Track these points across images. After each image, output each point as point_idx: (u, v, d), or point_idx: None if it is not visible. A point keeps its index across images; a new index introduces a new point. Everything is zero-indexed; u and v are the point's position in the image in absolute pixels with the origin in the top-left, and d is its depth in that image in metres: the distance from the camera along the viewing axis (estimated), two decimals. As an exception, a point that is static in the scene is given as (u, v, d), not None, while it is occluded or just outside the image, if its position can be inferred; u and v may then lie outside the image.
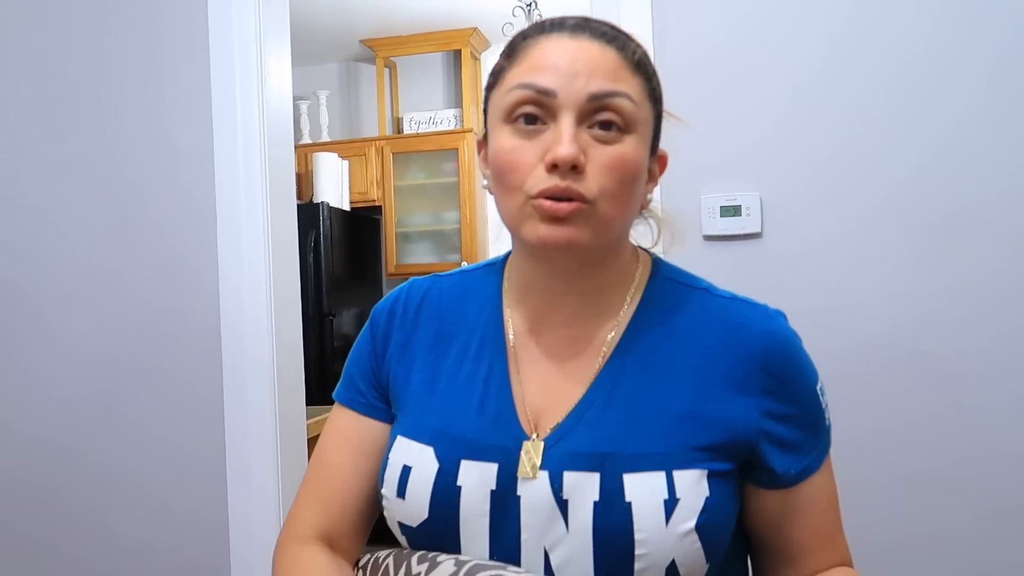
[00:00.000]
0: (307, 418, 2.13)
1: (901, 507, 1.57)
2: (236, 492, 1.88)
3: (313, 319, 3.89)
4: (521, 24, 3.94)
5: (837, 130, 1.61)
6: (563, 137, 0.72)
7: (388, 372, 0.87)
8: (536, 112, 0.74)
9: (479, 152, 0.85)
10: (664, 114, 0.83)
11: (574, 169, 0.72)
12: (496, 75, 0.80)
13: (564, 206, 0.72)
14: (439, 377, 0.83)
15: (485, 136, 0.82)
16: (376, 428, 0.86)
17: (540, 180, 0.73)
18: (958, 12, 1.56)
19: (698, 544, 0.72)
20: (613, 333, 0.80)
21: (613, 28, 0.79)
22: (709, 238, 1.66)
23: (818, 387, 0.81)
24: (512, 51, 0.79)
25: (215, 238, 1.89)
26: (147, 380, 1.95)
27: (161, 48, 1.94)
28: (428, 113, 4.63)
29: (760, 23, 1.65)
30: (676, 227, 0.90)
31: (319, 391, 3.30)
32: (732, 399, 0.76)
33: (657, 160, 0.84)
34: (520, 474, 0.74)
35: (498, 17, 4.10)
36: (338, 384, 0.92)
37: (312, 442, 2.25)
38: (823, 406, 0.81)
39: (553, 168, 0.72)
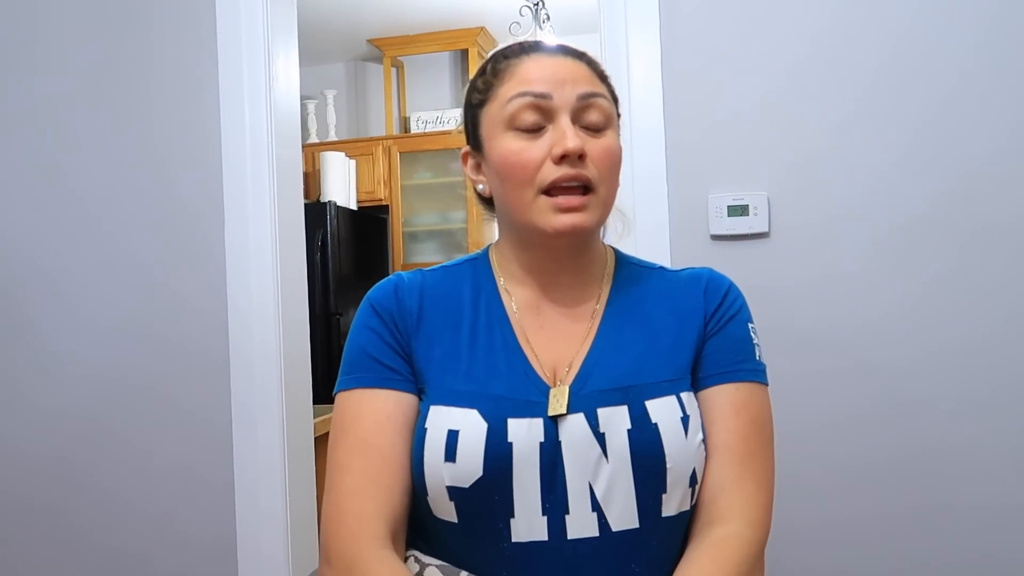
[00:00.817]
0: (313, 416, 2.13)
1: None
2: (240, 491, 1.89)
3: (320, 318, 3.90)
4: (528, 23, 3.95)
5: (846, 130, 1.61)
6: (567, 132, 0.85)
7: (410, 346, 0.90)
8: (536, 116, 0.87)
9: (465, 162, 0.96)
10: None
11: (580, 159, 0.85)
12: (484, 92, 0.92)
13: (577, 199, 0.86)
14: (460, 349, 0.90)
15: (476, 148, 0.94)
16: (414, 402, 0.89)
17: (551, 172, 0.85)
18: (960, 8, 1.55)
19: (704, 452, 0.86)
20: (598, 303, 0.94)
21: (576, 48, 0.94)
22: (716, 238, 1.66)
23: (750, 324, 0.94)
24: (496, 71, 0.92)
25: (223, 237, 1.90)
26: (159, 365, 1.96)
27: (169, 48, 1.95)
28: (435, 113, 4.63)
29: (767, 24, 1.65)
30: (628, 217, 1.04)
31: (325, 389, 3.30)
32: (695, 327, 0.91)
33: None
34: (551, 412, 0.83)
35: (505, 16, 4.10)
36: (345, 377, 0.91)
37: (318, 440, 2.25)
38: (752, 339, 0.93)
39: (561, 160, 0.85)
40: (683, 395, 0.87)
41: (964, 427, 1.55)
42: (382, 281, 0.95)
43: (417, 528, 0.90)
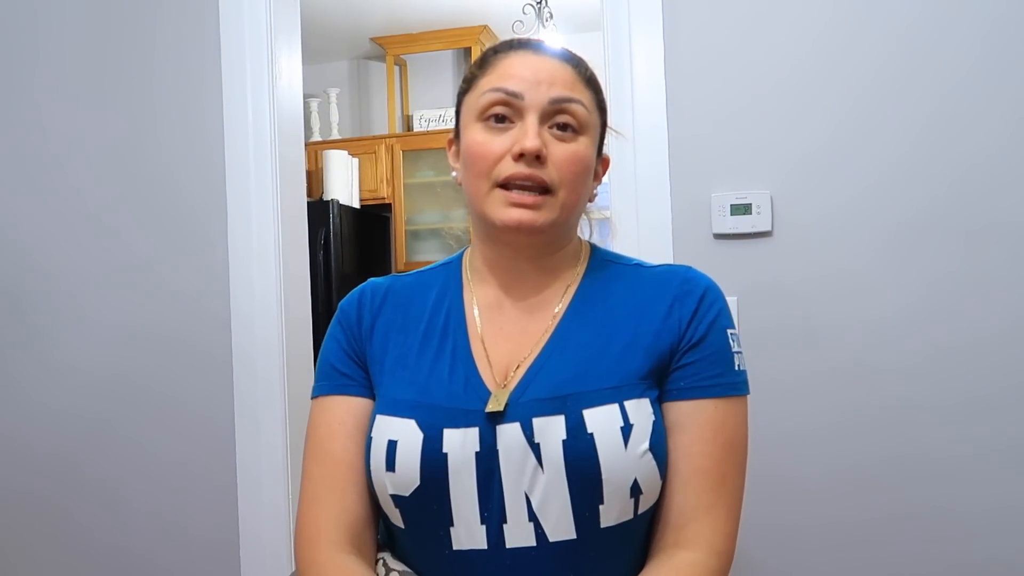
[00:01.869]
0: (317, 415, 2.13)
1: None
2: (242, 488, 1.89)
3: (322, 316, 3.89)
4: (531, 21, 3.94)
5: (849, 129, 1.61)
6: (529, 132, 0.85)
7: (365, 352, 0.93)
8: (505, 112, 0.87)
9: (449, 149, 0.97)
10: (608, 128, 0.97)
11: (537, 159, 0.85)
12: (469, 81, 0.93)
13: (531, 198, 0.85)
14: (409, 355, 0.91)
15: (457, 135, 0.95)
16: (368, 406, 0.91)
17: (507, 167, 0.85)
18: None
19: (653, 463, 0.83)
20: (561, 303, 0.92)
21: (569, 51, 0.94)
22: (719, 236, 1.66)
23: (730, 331, 0.91)
24: (483, 62, 0.93)
25: (226, 235, 1.90)
26: (162, 364, 1.96)
27: (172, 47, 1.95)
28: (438, 111, 4.63)
29: (770, 22, 1.64)
30: (615, 224, 1.08)
31: (329, 388, 3.29)
32: (658, 329, 0.88)
33: (602, 162, 0.97)
34: (489, 408, 0.83)
35: (508, 15, 4.10)
36: (315, 383, 0.95)
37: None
38: (732, 348, 0.90)
39: (519, 157, 0.85)
40: (628, 403, 0.83)
41: (968, 427, 1.55)
42: (353, 290, 0.99)
43: (388, 531, 0.92)
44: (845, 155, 1.61)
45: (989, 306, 1.54)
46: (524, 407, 0.83)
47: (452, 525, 0.83)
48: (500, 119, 0.87)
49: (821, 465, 1.61)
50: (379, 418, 0.87)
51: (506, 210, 0.85)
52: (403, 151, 4.53)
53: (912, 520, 1.57)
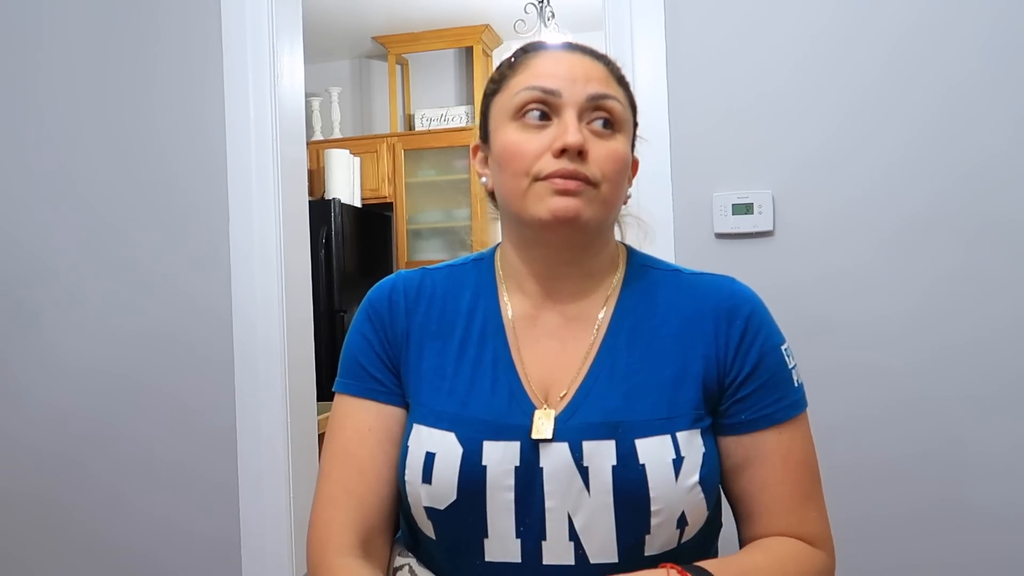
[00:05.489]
0: (317, 414, 2.13)
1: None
2: (244, 488, 1.89)
3: (324, 315, 3.91)
4: (533, 20, 3.94)
5: (851, 128, 1.61)
6: (570, 127, 0.82)
7: (399, 358, 0.90)
8: (543, 109, 0.84)
9: (474, 156, 0.94)
10: (636, 135, 0.94)
11: (579, 155, 0.82)
12: (498, 82, 0.90)
13: (573, 183, 0.81)
14: (446, 363, 0.88)
15: (484, 139, 0.91)
16: (399, 414, 0.89)
17: (548, 164, 0.82)
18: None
19: (701, 495, 0.81)
20: (603, 313, 0.89)
21: (599, 52, 0.92)
22: (721, 236, 1.66)
23: (783, 347, 0.89)
24: (513, 63, 0.90)
25: (227, 234, 1.90)
26: (163, 363, 1.97)
27: (174, 45, 1.95)
28: (440, 110, 4.63)
29: (772, 21, 1.64)
30: (648, 226, 1.02)
31: (329, 386, 3.29)
32: (707, 354, 0.85)
33: (633, 163, 0.94)
34: (535, 435, 0.81)
35: (510, 14, 4.10)
36: (339, 377, 0.93)
37: (322, 438, 2.25)
38: (788, 364, 0.88)
39: (561, 154, 0.81)
40: (680, 434, 0.82)
41: (970, 425, 1.55)
42: (382, 281, 0.94)
43: (413, 537, 0.91)
44: (847, 155, 1.61)
45: (990, 305, 1.54)
46: (574, 429, 0.81)
47: (487, 536, 0.82)
48: (538, 115, 0.84)
49: (824, 462, 1.60)
50: (416, 428, 0.85)
51: (551, 200, 0.81)
52: (405, 150, 4.53)
53: (913, 518, 1.57)
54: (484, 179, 0.92)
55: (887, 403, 1.58)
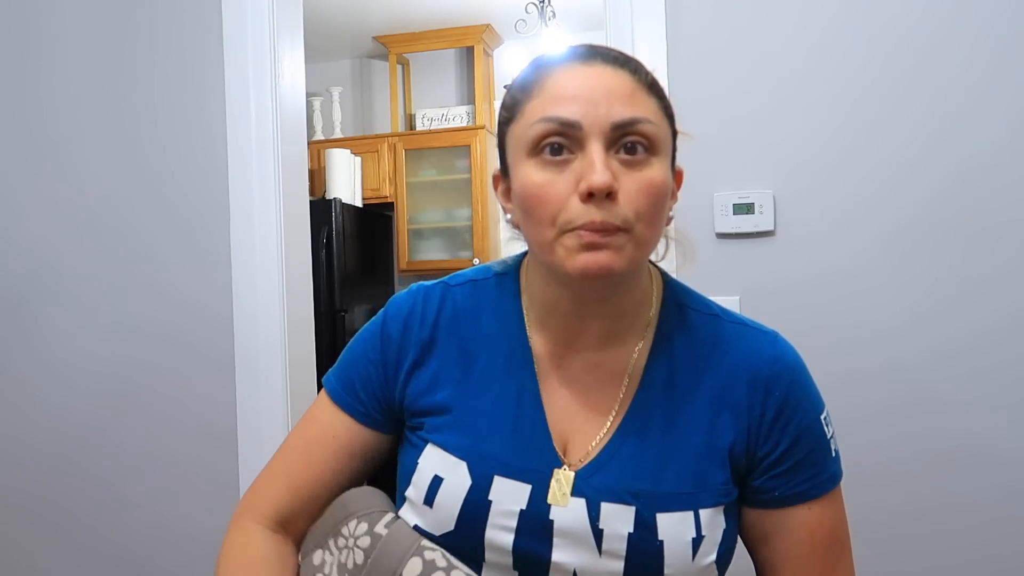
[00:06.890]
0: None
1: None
2: (244, 488, 1.88)
3: (325, 315, 3.91)
4: (534, 20, 3.94)
5: (852, 128, 1.60)
6: (596, 165, 0.72)
7: (401, 390, 0.86)
8: (562, 142, 0.74)
9: (496, 187, 0.85)
10: (676, 146, 0.83)
11: (608, 196, 0.72)
12: (511, 109, 0.80)
13: (601, 238, 0.72)
14: (468, 394, 0.83)
15: (504, 171, 0.82)
16: (368, 436, 0.89)
17: (577, 214, 0.73)
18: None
19: (716, 572, 0.78)
20: (634, 363, 0.82)
21: (621, 52, 0.79)
22: (721, 236, 1.66)
23: (822, 416, 0.82)
24: (526, 84, 0.79)
25: (228, 234, 1.90)
26: (164, 363, 1.97)
27: (175, 45, 1.95)
28: (441, 110, 4.63)
29: (772, 23, 1.64)
30: (688, 246, 0.90)
31: (331, 387, 3.30)
32: (738, 425, 0.80)
33: (676, 175, 0.85)
34: (550, 501, 0.77)
35: (511, 14, 4.10)
36: (332, 374, 0.92)
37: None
38: (827, 435, 0.83)
39: (588, 197, 0.72)
40: (703, 512, 0.77)
41: (972, 425, 1.55)
42: (402, 297, 0.89)
43: None
44: (847, 155, 1.60)
45: (991, 305, 1.54)
46: (594, 488, 0.77)
47: (484, 561, 0.79)
48: (556, 150, 0.74)
49: (823, 465, 1.60)
50: (431, 447, 0.82)
51: (578, 256, 0.73)
52: (406, 150, 4.53)
53: (915, 518, 1.57)
54: (508, 216, 0.83)
55: (887, 403, 1.58)
